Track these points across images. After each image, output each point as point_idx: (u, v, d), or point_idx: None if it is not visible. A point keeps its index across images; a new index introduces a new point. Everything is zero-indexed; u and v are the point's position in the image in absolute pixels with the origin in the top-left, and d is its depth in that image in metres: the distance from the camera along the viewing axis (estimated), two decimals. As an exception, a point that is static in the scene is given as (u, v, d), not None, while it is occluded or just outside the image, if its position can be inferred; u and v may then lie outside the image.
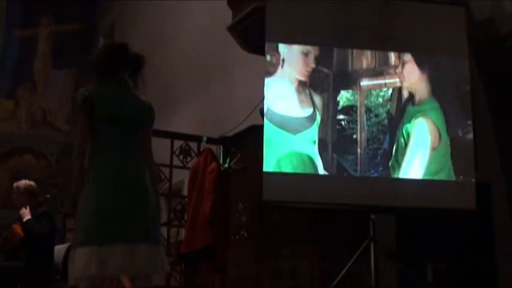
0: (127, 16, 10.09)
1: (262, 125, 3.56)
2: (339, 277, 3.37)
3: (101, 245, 2.70)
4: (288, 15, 3.66)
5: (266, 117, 3.49)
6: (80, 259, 2.71)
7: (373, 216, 3.52)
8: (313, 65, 3.58)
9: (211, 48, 6.66)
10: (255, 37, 4.04)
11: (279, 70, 3.56)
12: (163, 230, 4.92)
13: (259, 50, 4.05)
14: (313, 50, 3.59)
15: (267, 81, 3.54)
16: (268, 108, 3.50)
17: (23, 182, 5.09)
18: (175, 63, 7.77)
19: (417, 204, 3.49)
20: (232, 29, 4.24)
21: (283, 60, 3.57)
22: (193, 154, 4.90)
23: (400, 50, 3.63)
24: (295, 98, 3.54)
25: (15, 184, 5.08)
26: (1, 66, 10.76)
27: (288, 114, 3.51)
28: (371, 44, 3.64)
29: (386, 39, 3.64)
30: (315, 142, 3.50)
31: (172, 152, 4.87)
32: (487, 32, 3.76)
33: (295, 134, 3.48)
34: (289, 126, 3.48)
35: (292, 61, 3.57)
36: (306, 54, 3.58)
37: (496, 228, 3.68)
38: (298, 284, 3.80)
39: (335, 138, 3.52)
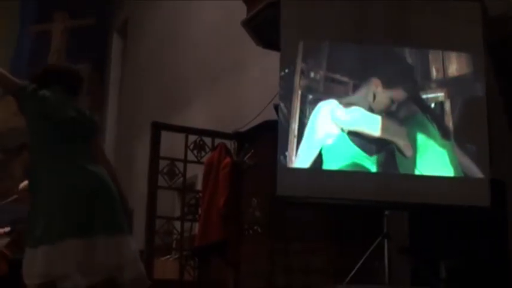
0: (140, 12, 10.14)
1: (276, 120, 3.58)
2: (352, 273, 3.39)
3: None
4: (302, 10, 3.67)
5: (348, 136, 3.51)
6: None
7: (386, 213, 3.53)
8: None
9: (225, 43, 6.68)
10: (269, 32, 4.04)
11: (366, 98, 3.58)
12: (177, 224, 5.02)
13: (273, 44, 4.07)
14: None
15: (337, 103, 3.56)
16: (350, 130, 3.52)
17: (24, 184, 5.17)
18: (189, 58, 7.81)
19: (431, 201, 3.49)
20: (246, 23, 4.27)
21: (374, 96, 3.59)
22: (207, 149, 4.95)
23: (415, 46, 3.63)
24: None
25: (18, 188, 5.15)
26: (15, 61, 10.86)
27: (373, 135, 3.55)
28: (386, 40, 3.64)
29: (401, 35, 3.64)
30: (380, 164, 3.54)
31: (186, 147, 4.92)
32: (501, 28, 3.74)
33: (371, 155, 3.52)
34: (369, 148, 3.51)
35: (379, 100, 3.61)
36: (392, 101, 3.61)
37: (509, 225, 3.67)
38: (311, 280, 3.81)
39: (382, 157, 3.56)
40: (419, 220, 3.81)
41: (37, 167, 2.98)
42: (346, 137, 3.51)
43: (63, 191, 2.85)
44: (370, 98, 3.57)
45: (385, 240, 3.46)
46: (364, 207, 3.66)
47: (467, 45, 3.61)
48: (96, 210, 2.86)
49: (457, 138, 3.52)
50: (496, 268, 3.55)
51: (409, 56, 3.64)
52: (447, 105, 3.59)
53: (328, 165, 3.49)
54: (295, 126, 3.49)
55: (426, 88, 3.61)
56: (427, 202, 3.50)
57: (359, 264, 3.40)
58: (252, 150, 4.23)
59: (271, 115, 4.10)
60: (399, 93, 3.59)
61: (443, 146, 3.52)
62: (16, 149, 10.25)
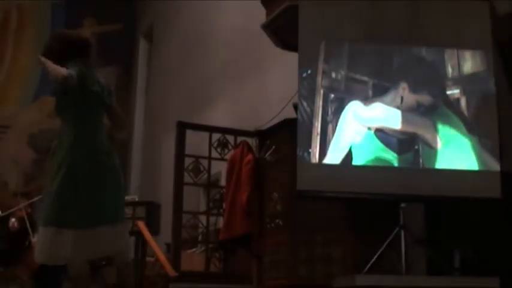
0: (165, 16, 10.27)
1: (296, 119, 3.69)
2: (370, 263, 3.47)
3: None
4: (320, 12, 3.75)
5: (376, 135, 3.61)
6: None
7: (403, 205, 3.60)
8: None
9: (246, 45, 6.78)
10: (288, 34, 4.12)
11: (394, 101, 3.67)
12: (203, 219, 5.15)
13: (292, 46, 4.16)
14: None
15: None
16: (381, 128, 3.62)
17: None
18: (213, 60, 7.93)
19: (445, 193, 3.55)
20: (266, 26, 4.34)
21: (402, 98, 3.68)
22: (230, 146, 5.05)
23: (428, 45, 3.72)
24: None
25: None
26: (47, 65, 11.13)
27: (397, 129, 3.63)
28: (400, 40, 3.74)
29: (414, 35, 3.73)
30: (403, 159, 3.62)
31: (210, 145, 5.03)
32: (509, 26, 3.80)
33: (395, 151, 3.61)
34: (394, 143, 3.60)
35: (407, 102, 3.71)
36: (419, 104, 3.70)
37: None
38: (331, 270, 3.89)
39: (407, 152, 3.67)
40: (434, 211, 3.89)
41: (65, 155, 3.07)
42: (373, 134, 3.59)
43: (100, 180, 3.01)
44: (398, 101, 3.64)
45: (402, 232, 3.54)
46: (381, 200, 3.73)
47: (477, 43, 3.69)
48: (118, 199, 3.03)
49: (472, 132, 3.61)
50: (509, 257, 3.62)
51: (426, 55, 3.71)
52: (463, 102, 3.67)
53: (356, 161, 3.58)
54: (318, 124, 3.58)
55: (444, 85, 3.69)
56: (442, 194, 3.56)
57: (377, 254, 3.48)
58: (273, 147, 4.30)
59: (290, 113, 4.22)
60: (425, 98, 3.66)
61: (465, 139, 3.60)
62: (49, 149, 10.55)
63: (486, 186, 3.55)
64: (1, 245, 6.59)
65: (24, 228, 6.46)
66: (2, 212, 6.94)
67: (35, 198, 6.57)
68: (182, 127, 4.96)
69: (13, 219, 6.60)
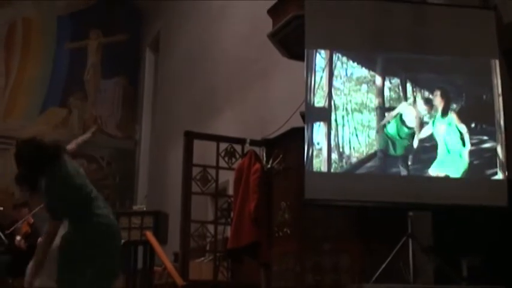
0: (171, 27, 10.37)
1: (303, 128, 3.72)
2: (379, 272, 3.48)
3: None
4: (325, 22, 3.81)
5: (382, 143, 3.69)
6: None
7: (410, 214, 3.62)
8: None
9: (252, 55, 6.82)
10: (294, 43, 4.19)
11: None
12: (211, 228, 5.17)
13: (298, 55, 4.21)
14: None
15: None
16: (387, 136, 3.72)
17: None
18: (219, 69, 7.99)
19: (452, 202, 3.59)
20: (272, 36, 4.40)
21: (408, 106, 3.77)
22: (237, 156, 5.06)
23: (431, 53, 3.76)
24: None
25: None
26: (54, 77, 11.28)
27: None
28: (405, 49, 3.78)
29: (419, 44, 3.77)
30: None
31: (218, 154, 5.05)
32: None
33: (406, 163, 3.69)
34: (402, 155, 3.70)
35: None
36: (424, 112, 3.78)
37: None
38: (339, 278, 3.92)
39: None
40: (442, 220, 3.89)
41: None
42: (379, 142, 3.66)
43: None
44: (403, 109, 3.71)
45: (410, 240, 3.56)
46: (389, 209, 3.75)
47: (482, 52, 3.73)
48: None
49: (476, 140, 3.64)
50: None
51: (432, 63, 3.75)
52: (469, 110, 3.71)
53: (362, 170, 3.63)
54: (325, 133, 3.63)
55: (450, 94, 3.73)
56: (449, 203, 3.60)
57: (385, 263, 3.50)
58: (281, 156, 4.33)
59: (297, 122, 4.24)
60: (431, 105, 3.71)
61: (471, 147, 3.64)
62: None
63: (493, 195, 3.59)
64: (8, 258, 6.60)
65: (31, 243, 6.46)
66: (7, 222, 6.95)
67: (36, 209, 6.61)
68: (189, 136, 5.00)
69: (18, 238, 6.60)
